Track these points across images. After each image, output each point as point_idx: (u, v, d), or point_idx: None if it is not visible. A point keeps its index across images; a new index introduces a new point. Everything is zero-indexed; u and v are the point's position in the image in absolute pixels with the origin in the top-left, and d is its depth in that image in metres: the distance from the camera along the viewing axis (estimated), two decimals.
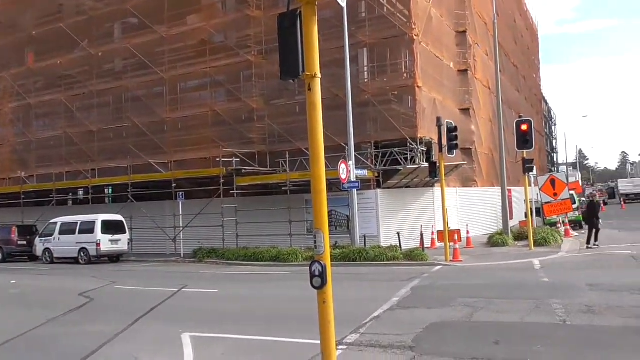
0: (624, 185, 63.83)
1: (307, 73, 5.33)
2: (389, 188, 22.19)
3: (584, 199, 34.82)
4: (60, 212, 26.12)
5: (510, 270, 14.45)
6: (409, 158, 20.88)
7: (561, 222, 23.68)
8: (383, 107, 21.68)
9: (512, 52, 38.80)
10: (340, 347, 7.14)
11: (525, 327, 8.06)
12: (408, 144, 20.81)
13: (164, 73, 25.54)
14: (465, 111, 26.80)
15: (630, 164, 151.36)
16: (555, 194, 21.30)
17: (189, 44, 25.49)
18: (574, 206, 24.99)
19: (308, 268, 5.46)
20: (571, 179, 35.24)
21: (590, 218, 19.08)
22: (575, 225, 25.98)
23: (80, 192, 29.92)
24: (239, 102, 24.31)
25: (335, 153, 19.40)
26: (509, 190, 24.24)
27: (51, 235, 23.40)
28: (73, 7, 28.54)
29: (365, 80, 22.90)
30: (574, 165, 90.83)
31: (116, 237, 22.73)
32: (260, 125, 23.69)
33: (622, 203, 53.43)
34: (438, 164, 17.39)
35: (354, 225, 19.00)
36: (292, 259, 18.45)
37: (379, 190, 21.47)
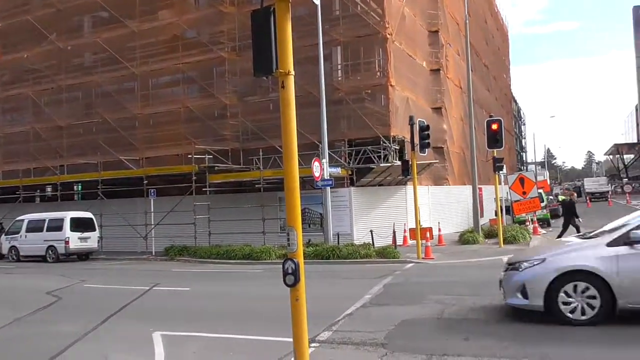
0: (590, 184, 65.47)
1: (281, 70, 5.32)
2: (362, 186, 22.31)
3: (551, 197, 35.59)
4: (28, 209, 25.55)
5: (481, 268, 14.68)
6: (382, 156, 21.02)
7: (530, 220, 24.16)
8: (356, 105, 21.78)
9: (483, 53, 39.41)
10: (312, 344, 7.16)
11: (494, 324, 8.20)
12: (381, 142, 20.96)
13: (135, 68, 25.16)
14: (438, 110, 27.10)
15: (596, 163, 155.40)
16: (524, 193, 21.70)
17: (161, 39, 25.16)
18: (542, 204, 25.51)
19: (281, 266, 5.46)
20: (539, 178, 36.01)
21: (568, 216, 19.47)
22: (543, 223, 26.55)
23: (48, 189, 29.29)
24: (211, 99, 24.11)
25: (309, 151, 19.43)
26: (480, 189, 24.63)
27: (18, 232, 22.86)
28: None
29: (339, 79, 22.97)
30: (542, 164, 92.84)
31: (85, 234, 22.34)
32: (233, 122, 23.55)
33: (588, 201, 54.78)
34: (410, 163, 17.55)
35: (327, 223, 19.05)
36: (265, 257, 18.40)
37: (352, 188, 21.57)
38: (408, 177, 19.19)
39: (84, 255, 22.69)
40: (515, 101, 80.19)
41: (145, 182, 23.12)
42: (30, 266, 20.94)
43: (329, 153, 19.06)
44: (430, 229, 18.61)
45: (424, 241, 17.16)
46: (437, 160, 25.59)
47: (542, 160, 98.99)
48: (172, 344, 7.86)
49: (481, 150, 27.75)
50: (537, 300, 7.78)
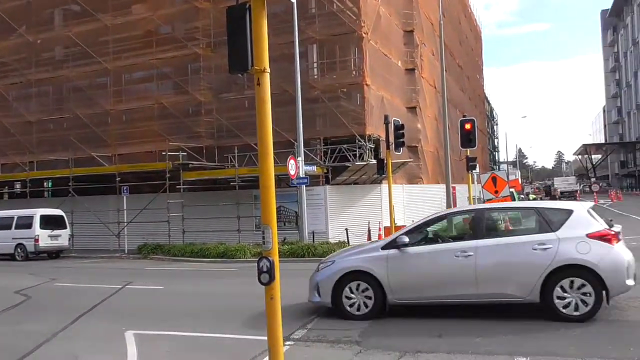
0: (559, 183, 66.84)
1: (256, 67, 5.30)
2: (337, 184, 22.37)
3: (522, 196, 36.24)
4: None
5: None
6: (357, 155, 21.11)
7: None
8: (332, 103, 21.82)
9: (457, 53, 39.90)
10: (287, 342, 7.15)
11: (467, 320, 8.32)
12: (356, 141, 21.04)
13: (107, 63, 24.75)
14: (412, 109, 27.33)
15: (565, 163, 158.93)
16: (496, 192, 21.98)
17: (135, 34, 24.80)
18: None
19: (255, 264, 5.44)
20: (511, 177, 36.50)
21: None
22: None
23: (17, 186, 28.59)
24: (186, 95, 23.87)
25: (284, 149, 19.40)
26: (453, 188, 24.90)
27: None
28: None
29: (315, 77, 22.98)
30: (514, 163, 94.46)
31: (56, 232, 21.93)
32: (208, 119, 23.36)
33: (558, 200, 55.93)
34: (385, 161, 17.66)
35: (302, 221, 19.05)
36: (240, 255, 18.32)
37: (327, 187, 21.61)
38: (383, 175, 19.32)
39: (54, 254, 22.26)
40: (488, 101, 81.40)
41: (117, 179, 22.78)
42: None
43: (304, 151, 19.05)
44: (404, 227, 18.73)
45: None
46: (412, 159, 25.82)
47: (514, 159, 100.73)
48: (145, 343, 7.77)
49: (455, 150, 28.08)
50: (326, 297, 8.62)
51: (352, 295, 8.46)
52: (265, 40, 5.33)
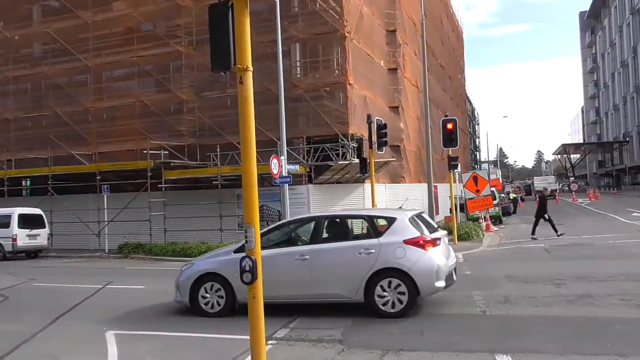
0: (539, 182, 67.67)
1: (239, 66, 5.28)
2: (320, 183, 22.37)
3: (503, 195, 36.62)
4: None
5: None
6: (340, 154, 21.13)
7: (483, 217, 24.80)
8: (315, 102, 21.81)
9: (439, 53, 40.15)
10: (270, 342, 7.15)
11: (448, 318, 8.40)
12: (339, 140, 21.06)
13: (88, 60, 24.42)
14: (395, 109, 27.44)
15: (545, 162, 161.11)
16: (477, 191, 22.24)
17: (115, 31, 24.49)
18: (495, 202, 26.23)
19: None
20: (492, 176, 36.92)
21: (540, 212, 20.11)
22: (496, 220, 27.31)
23: None
24: (168, 93, 23.66)
25: (267, 148, 19.32)
26: (435, 187, 25.09)
27: None
28: None
29: (298, 76, 22.94)
30: (494, 163, 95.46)
31: (34, 231, 21.60)
32: (190, 118, 23.18)
33: (537, 199, 56.62)
34: (368, 160, 17.71)
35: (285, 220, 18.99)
36: None
37: (310, 186, 21.60)
38: (366, 174, 19.37)
39: (32, 253, 21.93)
40: (470, 101, 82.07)
41: (98, 177, 22.48)
42: None
43: (287, 150, 19.01)
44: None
45: None
46: (394, 159, 25.92)
47: (495, 159, 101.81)
48: (126, 344, 7.70)
49: (437, 149, 28.26)
50: (185, 297, 9.34)
51: (207, 295, 9.16)
52: (248, 39, 5.31)
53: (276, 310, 8.97)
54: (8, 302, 11.51)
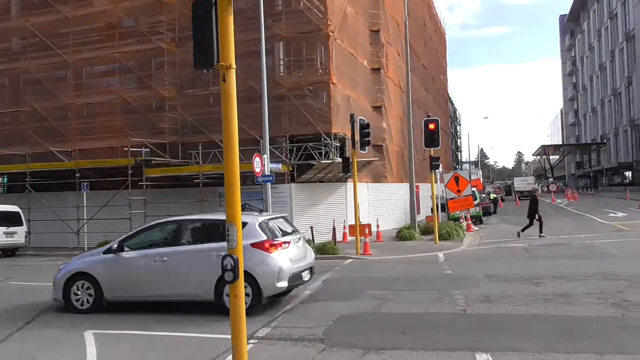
0: (519, 183, 68.54)
1: (222, 63, 5.25)
2: (303, 182, 22.37)
3: (484, 195, 36.97)
4: None
5: (417, 263, 15.08)
6: (323, 153, 21.15)
7: (464, 217, 25.01)
8: (298, 101, 21.78)
9: (422, 54, 40.39)
10: (251, 341, 7.13)
11: (429, 317, 8.46)
12: (322, 139, 21.07)
13: (67, 56, 24.07)
14: (378, 109, 27.54)
15: (525, 163, 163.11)
16: (458, 191, 22.41)
17: (96, 26, 24.19)
18: (475, 202, 26.48)
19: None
20: (473, 177, 37.24)
21: (531, 212, 20.36)
22: (476, 220, 27.57)
23: None
24: (149, 90, 23.43)
25: (250, 146, 19.25)
26: (417, 187, 25.24)
27: None
28: None
29: (281, 74, 22.89)
30: (476, 163, 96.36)
31: (11, 229, 21.22)
32: (171, 115, 23.00)
33: (517, 199, 57.34)
34: (351, 160, 17.75)
35: None
36: None
37: (293, 185, 21.58)
38: (348, 174, 19.41)
39: (9, 252, 21.54)
40: (452, 102, 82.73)
41: (77, 175, 22.19)
42: None
43: (270, 149, 18.97)
44: (369, 226, 18.92)
45: (363, 237, 17.42)
46: (377, 158, 26.02)
47: (476, 159, 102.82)
48: (105, 343, 7.61)
49: (419, 149, 28.43)
50: (59, 294, 9.88)
51: (78, 292, 9.78)
52: (232, 36, 5.28)
53: (258, 309, 8.96)
54: None
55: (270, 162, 18.58)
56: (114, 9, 23.42)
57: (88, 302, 9.71)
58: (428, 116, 22.58)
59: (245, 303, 8.27)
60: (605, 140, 77.07)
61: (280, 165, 20.22)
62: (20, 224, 21.75)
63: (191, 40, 5.42)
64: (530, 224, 20.11)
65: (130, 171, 20.96)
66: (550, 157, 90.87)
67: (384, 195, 28.14)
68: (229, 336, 5.48)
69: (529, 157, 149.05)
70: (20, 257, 21.20)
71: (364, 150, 18.20)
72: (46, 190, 23.78)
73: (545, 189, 71.04)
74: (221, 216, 10.92)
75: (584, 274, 11.29)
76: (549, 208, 40.52)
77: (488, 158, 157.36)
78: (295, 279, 9.35)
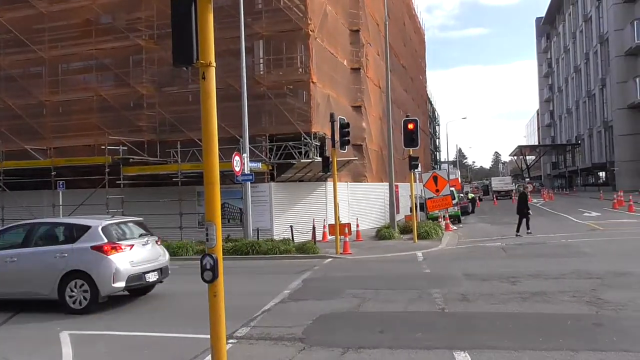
0: (496, 183, 69.35)
1: (202, 61, 5.21)
2: (282, 181, 22.32)
3: (462, 195, 37.35)
4: None
5: (396, 262, 15.17)
6: (302, 152, 21.12)
7: (442, 216, 25.23)
8: (278, 100, 21.73)
9: (402, 54, 40.61)
10: (230, 340, 7.09)
11: (408, 316, 8.51)
12: (302, 139, 21.05)
13: (43, 52, 23.63)
14: (357, 108, 27.60)
15: (502, 163, 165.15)
16: (437, 190, 22.61)
17: (73, 22, 23.78)
18: (454, 202, 26.72)
19: (198, 262, 5.36)
20: (451, 177, 37.55)
21: (521, 208, 20.59)
22: (455, 219, 27.84)
23: None
24: (127, 88, 23.12)
25: (229, 145, 19.15)
26: (396, 186, 25.39)
27: None
28: None
29: (261, 73, 22.78)
30: (454, 163, 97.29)
31: None
32: (150, 113, 22.74)
33: (494, 199, 58.06)
34: (331, 159, 17.77)
35: (247, 218, 18.89)
36: (182, 252, 17.94)
37: (272, 184, 21.52)
38: (328, 173, 19.43)
39: None
40: (431, 102, 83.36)
41: (53, 173, 21.79)
42: None
43: (249, 148, 18.90)
44: (348, 225, 18.96)
45: (342, 237, 17.45)
46: (357, 158, 26.09)
47: (454, 159, 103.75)
48: (81, 344, 7.50)
49: (398, 149, 28.58)
50: None
51: None
52: (211, 34, 5.24)
53: (237, 308, 8.91)
54: None
55: (250, 161, 18.52)
56: (91, 5, 23.06)
57: None
58: (407, 116, 22.72)
59: (86, 299, 9.50)
60: (579, 141, 78.48)
61: (260, 165, 20.16)
62: None
63: (170, 37, 5.36)
64: (523, 218, 20.44)
65: (107, 170, 20.66)
66: (527, 157, 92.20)
67: (364, 194, 28.24)
68: (208, 336, 5.43)
69: (506, 158, 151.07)
70: None
71: (344, 150, 18.23)
72: (21, 189, 23.34)
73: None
74: (68, 220, 11.63)
75: (560, 273, 11.48)
76: None
77: (466, 158, 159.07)
78: (136, 280, 9.94)
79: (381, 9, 27.93)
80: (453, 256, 15.93)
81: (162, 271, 10.77)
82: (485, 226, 26.31)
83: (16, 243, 10.34)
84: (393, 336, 7.32)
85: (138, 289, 10.59)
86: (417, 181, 25.62)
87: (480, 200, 53.36)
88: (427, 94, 67.56)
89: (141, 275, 10.03)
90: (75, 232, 10.05)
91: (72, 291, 9.55)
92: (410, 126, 19.81)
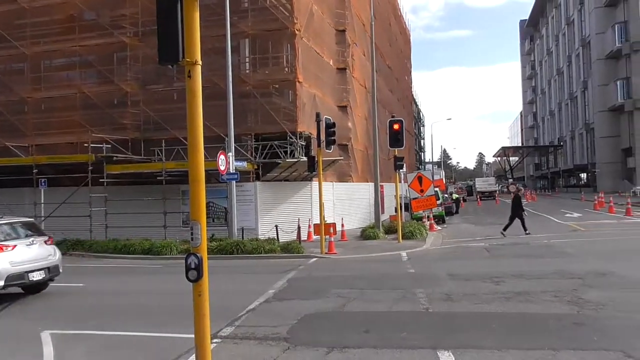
0: (480, 184, 69.91)
1: (188, 60, 5.16)
2: (268, 181, 22.27)
3: (446, 195, 37.61)
4: None
5: (381, 262, 15.21)
6: (288, 152, 21.10)
7: (426, 217, 25.37)
8: (264, 99, 21.67)
9: (387, 54, 40.75)
10: (215, 340, 7.06)
11: (393, 316, 8.54)
12: (288, 138, 21.03)
13: (25, 48, 23.32)
14: (343, 108, 27.65)
15: (486, 164, 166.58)
16: (421, 191, 22.73)
17: (56, 18, 23.52)
18: (438, 202, 26.88)
19: (182, 261, 5.33)
20: (436, 177, 37.86)
21: (515, 210, 20.77)
22: (439, 219, 28.01)
23: None
24: (111, 85, 22.91)
25: (215, 144, 19.05)
26: (381, 186, 25.48)
27: None
28: None
29: (247, 72, 22.73)
30: (438, 164, 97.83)
31: None
32: (134, 111, 22.55)
33: (478, 200, 58.53)
34: (316, 159, 17.77)
35: (232, 217, 18.82)
36: (166, 252, 17.82)
37: (258, 183, 21.47)
38: (314, 173, 19.42)
39: None
40: (416, 103, 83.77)
41: (35, 171, 21.50)
42: None
43: (235, 147, 18.83)
44: (334, 225, 18.97)
45: (327, 236, 17.46)
46: (342, 157, 26.13)
47: (439, 160, 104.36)
48: (63, 344, 7.41)
49: (383, 149, 28.68)
50: None
51: None
52: (197, 32, 5.20)
53: (222, 308, 8.87)
54: None
55: (235, 160, 18.45)
56: (74, 0, 22.82)
57: None
58: (393, 116, 22.82)
59: None
60: (562, 143, 79.48)
61: (245, 164, 20.09)
62: None
63: (155, 35, 5.31)
64: (522, 219, 20.62)
65: (90, 168, 20.45)
66: (510, 158, 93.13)
67: (349, 194, 28.29)
68: (192, 335, 5.40)
69: (490, 159, 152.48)
70: None
71: (330, 150, 18.25)
72: (1, 187, 23.03)
73: (505, 189, 72.81)
74: None
75: (542, 273, 11.61)
76: (509, 209, 41.46)
77: (451, 159, 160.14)
78: (16, 279, 10.35)
79: (367, 9, 28.02)
80: (437, 256, 16.03)
81: (51, 270, 11.15)
82: (469, 226, 26.52)
83: None
84: (378, 336, 7.34)
85: (31, 286, 11.03)
86: (402, 181, 25.74)
87: (464, 200, 53.76)
88: (413, 95, 67.86)
89: (23, 275, 10.43)
90: None
91: None
92: (396, 126, 19.89)
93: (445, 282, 11.08)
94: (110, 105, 23.02)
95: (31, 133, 23.22)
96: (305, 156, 20.16)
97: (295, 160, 21.13)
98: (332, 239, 17.63)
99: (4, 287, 10.21)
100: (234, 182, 18.41)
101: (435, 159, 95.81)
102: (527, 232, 20.34)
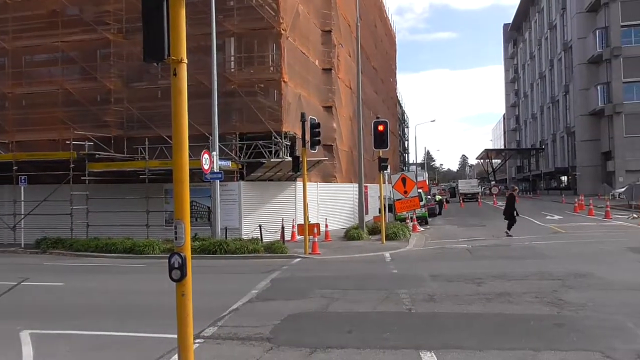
0: (463, 186, 70.42)
1: (173, 57, 5.12)
2: (252, 180, 22.20)
3: (429, 196, 37.83)
4: None
5: (364, 263, 15.26)
6: (273, 151, 21.06)
7: (410, 218, 25.49)
8: (249, 98, 21.60)
9: (373, 56, 40.88)
10: (197, 340, 7.02)
11: (376, 316, 8.57)
12: (273, 138, 20.98)
13: (6, 43, 22.96)
14: (328, 109, 27.67)
15: (469, 166, 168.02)
16: (405, 192, 22.82)
17: (38, 13, 23.15)
18: (421, 203, 27.02)
19: (165, 260, 5.30)
20: (419, 178, 38.02)
21: (509, 210, 21.04)
22: (422, 221, 28.16)
23: None
24: (94, 82, 22.64)
25: (199, 142, 18.93)
26: (366, 187, 25.53)
27: None
28: None
29: (232, 70, 22.63)
30: (422, 165, 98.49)
31: None
32: (117, 108, 22.31)
33: (461, 202, 58.97)
34: (301, 159, 17.75)
35: (215, 217, 18.73)
36: (148, 251, 17.67)
37: (242, 183, 21.39)
38: (298, 173, 19.40)
39: None
40: (401, 105, 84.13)
41: (14, 168, 21.15)
42: None
43: (219, 146, 18.74)
44: (317, 225, 18.98)
45: (311, 237, 17.45)
46: (327, 158, 26.14)
47: (423, 161, 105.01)
48: (43, 344, 7.30)
49: (368, 150, 28.75)
50: None
51: None
52: (183, 29, 5.17)
53: (204, 308, 8.82)
54: None
55: (220, 159, 18.36)
56: None
57: None
58: (377, 118, 22.89)
59: None
60: (543, 146, 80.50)
61: (229, 163, 20.00)
62: None
63: (140, 32, 5.26)
64: (513, 220, 20.89)
65: (72, 165, 20.19)
66: (493, 160, 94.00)
67: (333, 195, 28.32)
68: (175, 335, 5.36)
69: (473, 161, 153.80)
70: None
71: (314, 150, 18.24)
72: None
73: (488, 191, 73.49)
74: None
75: (523, 274, 11.75)
76: (491, 210, 41.93)
77: (434, 160, 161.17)
78: None
79: (353, 10, 28.05)
80: (420, 257, 16.12)
81: None
82: (452, 228, 26.71)
83: None
84: (361, 336, 7.36)
85: None
86: (386, 182, 25.81)
87: (447, 202, 54.09)
88: (397, 96, 68.15)
89: None
90: None
91: None
92: (381, 128, 19.95)
93: (428, 283, 11.15)
94: (93, 102, 22.76)
95: (11, 129, 22.85)
96: (289, 156, 20.11)
97: (280, 160, 21.10)
98: (316, 240, 17.63)
99: None
100: (218, 181, 18.33)
101: (419, 161, 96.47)
102: (509, 234, 20.57)
